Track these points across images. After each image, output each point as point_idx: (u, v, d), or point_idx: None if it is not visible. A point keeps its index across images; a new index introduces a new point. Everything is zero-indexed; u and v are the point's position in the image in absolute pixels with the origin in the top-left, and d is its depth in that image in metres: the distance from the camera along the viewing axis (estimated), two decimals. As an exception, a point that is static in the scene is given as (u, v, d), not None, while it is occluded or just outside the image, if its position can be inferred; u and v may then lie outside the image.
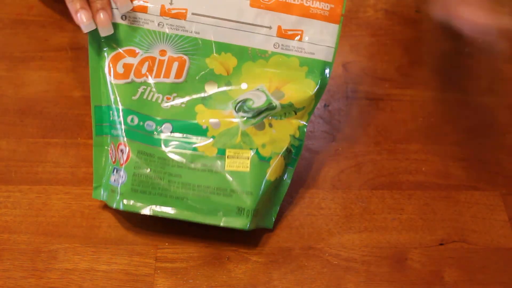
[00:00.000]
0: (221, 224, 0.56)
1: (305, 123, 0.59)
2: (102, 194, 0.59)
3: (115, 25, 0.55)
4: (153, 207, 0.56)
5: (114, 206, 0.57)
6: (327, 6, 0.56)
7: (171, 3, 0.55)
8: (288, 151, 0.58)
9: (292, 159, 0.59)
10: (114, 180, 0.57)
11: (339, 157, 0.66)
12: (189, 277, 0.57)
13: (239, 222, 0.56)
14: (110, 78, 0.56)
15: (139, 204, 0.56)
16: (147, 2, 0.55)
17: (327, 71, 0.57)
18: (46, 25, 0.77)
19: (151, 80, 0.56)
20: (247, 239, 0.59)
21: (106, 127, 0.58)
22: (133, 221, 0.60)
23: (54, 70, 0.72)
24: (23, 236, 0.59)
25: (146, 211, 0.56)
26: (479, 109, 0.71)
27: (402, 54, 0.77)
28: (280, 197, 0.60)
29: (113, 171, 0.57)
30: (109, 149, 0.58)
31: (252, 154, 0.56)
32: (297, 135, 0.58)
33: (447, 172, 0.65)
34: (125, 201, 0.56)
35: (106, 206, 0.61)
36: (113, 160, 0.58)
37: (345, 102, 0.71)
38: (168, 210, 0.56)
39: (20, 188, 0.62)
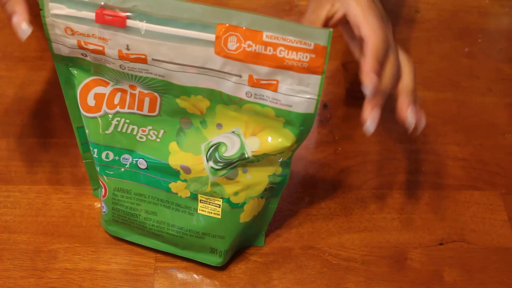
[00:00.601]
0: (197, 259, 0.57)
1: (289, 157, 0.53)
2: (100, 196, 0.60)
3: (79, 58, 0.51)
4: (134, 236, 0.58)
5: (102, 227, 0.59)
6: (306, 57, 0.46)
7: (127, 49, 0.48)
8: (269, 189, 0.55)
9: (275, 191, 0.56)
10: (101, 201, 0.58)
11: (339, 157, 0.66)
12: (189, 277, 0.57)
13: (213, 260, 0.57)
14: (82, 111, 0.53)
15: (121, 232, 0.58)
16: (103, 47, 0.48)
17: (308, 122, 0.49)
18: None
19: (124, 111, 0.52)
20: (247, 239, 0.59)
21: None
22: (133, 221, 0.60)
23: (54, 70, 0.72)
24: (23, 236, 0.59)
25: (129, 238, 0.58)
26: (479, 109, 0.71)
27: (402, 54, 0.77)
28: (267, 219, 0.58)
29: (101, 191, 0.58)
30: None
31: (223, 202, 0.54)
32: (278, 172, 0.53)
33: (447, 172, 0.65)
34: (109, 227, 0.58)
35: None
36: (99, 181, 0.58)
37: (345, 102, 0.71)
38: (147, 242, 0.58)
39: (20, 188, 0.62)
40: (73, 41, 0.49)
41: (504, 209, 0.62)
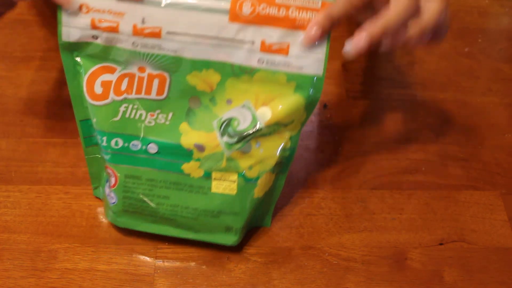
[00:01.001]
0: (211, 241, 0.57)
1: (297, 132, 0.55)
2: (102, 194, 0.60)
3: (87, 43, 0.51)
4: (145, 225, 0.58)
5: (110, 220, 0.59)
6: (314, 16, 0.50)
7: (143, 22, 0.50)
8: (278, 164, 0.56)
9: (283, 167, 0.57)
10: (107, 194, 0.57)
11: (339, 157, 0.66)
12: (189, 277, 0.57)
13: (228, 239, 0.57)
14: (89, 100, 0.54)
15: (132, 222, 0.58)
16: (117, 23, 0.50)
17: (318, 85, 0.52)
18: (46, 25, 0.77)
19: (132, 97, 0.53)
20: (247, 239, 0.59)
21: (95, 138, 0.56)
22: (133, 221, 0.60)
23: (54, 70, 0.72)
24: (23, 236, 0.59)
25: (139, 228, 0.58)
26: (479, 109, 0.71)
27: (402, 54, 0.77)
28: (274, 198, 0.59)
29: (107, 181, 0.57)
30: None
31: (238, 177, 0.55)
32: (288, 146, 0.55)
33: (447, 172, 0.65)
34: (118, 219, 0.58)
35: (106, 206, 0.61)
36: (106, 171, 0.57)
37: (345, 102, 0.71)
38: (159, 229, 0.57)
39: (20, 188, 0.62)
40: (86, 20, 0.50)
41: (504, 209, 0.62)
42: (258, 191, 0.56)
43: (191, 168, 0.55)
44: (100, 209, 0.61)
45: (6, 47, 0.74)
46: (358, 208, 0.62)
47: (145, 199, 0.56)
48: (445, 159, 0.66)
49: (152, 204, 0.56)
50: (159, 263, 0.58)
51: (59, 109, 0.68)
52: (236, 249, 0.59)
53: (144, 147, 0.54)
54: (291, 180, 0.63)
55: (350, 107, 0.71)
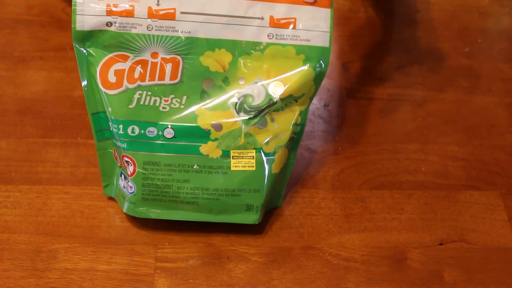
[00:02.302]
0: (232, 221, 0.58)
1: (306, 107, 0.58)
2: (114, 191, 0.60)
3: (101, 32, 0.53)
4: (165, 212, 0.57)
5: (125, 211, 0.58)
6: None
7: (158, 4, 0.53)
8: (291, 139, 0.58)
9: (295, 143, 0.59)
10: (123, 186, 0.58)
11: (339, 157, 0.66)
12: (189, 276, 0.57)
13: (249, 218, 0.58)
14: (103, 89, 0.54)
15: (151, 210, 0.57)
16: (133, 6, 0.52)
17: (325, 57, 0.56)
18: (46, 25, 0.77)
19: (146, 84, 0.55)
20: (247, 239, 0.59)
21: (107, 132, 0.57)
22: (133, 221, 0.60)
23: (54, 70, 0.72)
24: (23, 236, 0.59)
25: (160, 216, 0.57)
26: (479, 109, 0.71)
27: (402, 54, 0.77)
28: (286, 177, 0.61)
29: (121, 175, 0.58)
30: (113, 151, 0.58)
31: (256, 153, 0.56)
32: (298, 121, 0.57)
33: (447, 172, 0.65)
34: (137, 209, 0.57)
35: (106, 206, 0.61)
36: (119, 164, 0.58)
37: (345, 102, 0.71)
38: (180, 214, 0.57)
39: (20, 188, 0.62)
40: (101, 6, 0.52)
41: (504, 209, 0.62)
42: (275, 167, 0.57)
43: (209, 148, 0.56)
44: (100, 210, 0.61)
45: (6, 47, 0.74)
46: (358, 208, 0.62)
47: (164, 184, 0.56)
48: (445, 159, 0.66)
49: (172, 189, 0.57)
50: (159, 263, 0.58)
51: (59, 109, 0.68)
52: (236, 249, 0.59)
53: (160, 133, 0.55)
54: (291, 180, 0.64)
55: (350, 107, 0.71)
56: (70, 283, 0.56)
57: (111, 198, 0.61)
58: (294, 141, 0.59)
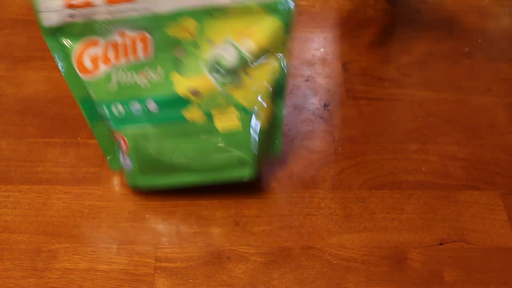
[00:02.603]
0: (228, 178, 0.60)
1: (282, 58, 0.57)
2: (118, 164, 0.62)
3: (67, 24, 0.53)
4: (165, 179, 0.60)
5: (130, 185, 0.61)
6: None
7: None
8: (272, 91, 0.58)
9: (279, 92, 0.60)
10: (124, 163, 0.60)
11: (339, 157, 0.66)
12: (189, 276, 0.57)
13: (244, 173, 0.60)
14: (81, 75, 0.56)
15: (154, 179, 0.60)
16: None
17: (290, 6, 0.55)
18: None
19: (121, 63, 0.56)
20: (247, 239, 0.59)
21: (96, 112, 0.58)
22: (133, 221, 0.60)
23: (54, 70, 0.72)
24: (23, 236, 0.59)
25: (159, 182, 0.61)
26: (479, 109, 0.71)
27: (402, 54, 0.77)
28: (278, 129, 0.62)
29: (120, 151, 0.60)
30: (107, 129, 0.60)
31: (238, 111, 0.57)
32: (277, 71, 0.58)
33: (447, 172, 0.65)
34: (139, 181, 0.61)
35: (106, 206, 0.61)
36: (117, 141, 0.59)
37: (345, 102, 0.71)
38: (179, 179, 0.60)
39: (20, 188, 0.62)
40: (61, 2, 0.52)
41: (504, 209, 0.62)
42: (260, 121, 0.58)
43: (192, 114, 0.57)
44: (100, 209, 0.61)
45: (6, 47, 0.74)
46: (358, 208, 0.62)
47: (157, 152, 0.58)
48: (445, 159, 0.66)
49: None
50: (159, 263, 0.58)
51: (59, 109, 0.68)
52: (236, 249, 0.59)
53: (144, 107, 0.56)
54: (291, 180, 0.64)
55: (350, 107, 0.71)
56: (70, 283, 0.56)
57: (111, 198, 0.61)
58: (277, 91, 0.59)
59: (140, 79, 0.56)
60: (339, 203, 0.62)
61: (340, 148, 0.67)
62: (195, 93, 0.56)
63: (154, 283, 0.56)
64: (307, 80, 0.73)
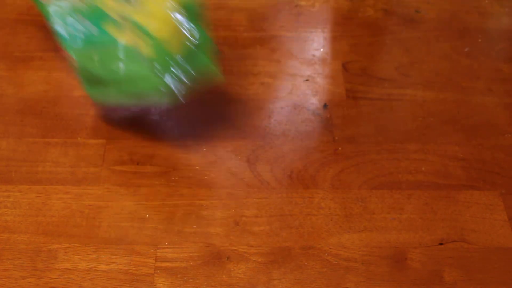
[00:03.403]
0: (144, 88, 0.62)
1: None
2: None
3: None
4: (108, 90, 0.63)
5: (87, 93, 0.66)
6: None
7: None
8: (184, 10, 0.60)
9: (193, 11, 0.61)
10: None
11: (339, 157, 0.66)
12: (189, 276, 0.57)
13: (152, 85, 0.61)
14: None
15: (95, 92, 0.65)
16: None
17: None
18: (46, 25, 0.77)
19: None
20: (247, 239, 0.59)
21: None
22: (133, 221, 0.60)
23: (54, 70, 0.72)
24: (23, 236, 0.59)
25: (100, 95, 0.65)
26: (479, 109, 0.71)
27: (402, 54, 0.77)
28: (204, 47, 0.62)
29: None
30: None
31: (138, 28, 0.59)
32: None
33: (447, 172, 0.65)
34: (88, 92, 0.65)
35: (106, 206, 0.61)
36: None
37: (345, 102, 0.71)
38: (114, 91, 0.63)
39: (20, 188, 0.62)
40: None
41: (504, 209, 0.62)
42: (159, 33, 0.60)
43: (109, 27, 0.61)
44: (101, 209, 0.61)
45: (6, 47, 0.74)
46: (358, 208, 0.62)
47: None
48: (445, 159, 0.66)
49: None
50: (159, 263, 0.58)
51: (59, 109, 0.68)
52: (236, 249, 0.59)
53: (80, 28, 0.62)
54: (291, 180, 0.64)
55: (350, 107, 0.71)
56: (70, 283, 0.56)
57: (111, 198, 0.61)
58: (190, 13, 0.60)
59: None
60: (339, 203, 0.62)
61: (340, 148, 0.67)
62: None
63: (154, 283, 0.56)
64: (307, 80, 0.73)
